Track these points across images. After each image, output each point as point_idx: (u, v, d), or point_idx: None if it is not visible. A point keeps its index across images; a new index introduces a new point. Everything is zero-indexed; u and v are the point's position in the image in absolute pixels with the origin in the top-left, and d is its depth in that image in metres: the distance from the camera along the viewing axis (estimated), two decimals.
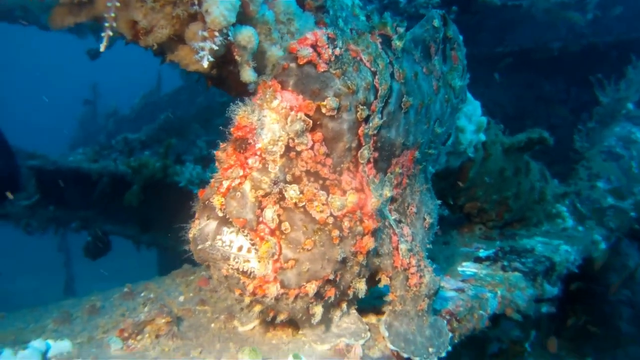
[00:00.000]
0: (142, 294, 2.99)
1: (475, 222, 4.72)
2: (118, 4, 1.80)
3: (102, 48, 1.80)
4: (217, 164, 1.95)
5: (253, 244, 1.83)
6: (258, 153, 1.85)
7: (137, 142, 12.66)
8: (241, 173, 1.85)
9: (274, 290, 1.86)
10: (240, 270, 1.84)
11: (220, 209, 1.84)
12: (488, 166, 4.15)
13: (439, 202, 2.63)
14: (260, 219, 1.84)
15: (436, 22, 2.56)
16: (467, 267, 3.66)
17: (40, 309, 2.88)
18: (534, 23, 12.18)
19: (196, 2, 1.96)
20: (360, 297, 2.19)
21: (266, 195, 1.84)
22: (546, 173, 5.13)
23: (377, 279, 2.30)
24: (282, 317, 2.04)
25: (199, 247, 1.86)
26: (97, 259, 10.07)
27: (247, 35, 2.08)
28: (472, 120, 3.55)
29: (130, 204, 8.10)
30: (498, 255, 4.00)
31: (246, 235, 1.84)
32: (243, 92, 2.46)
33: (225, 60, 2.28)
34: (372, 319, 2.52)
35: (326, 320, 2.25)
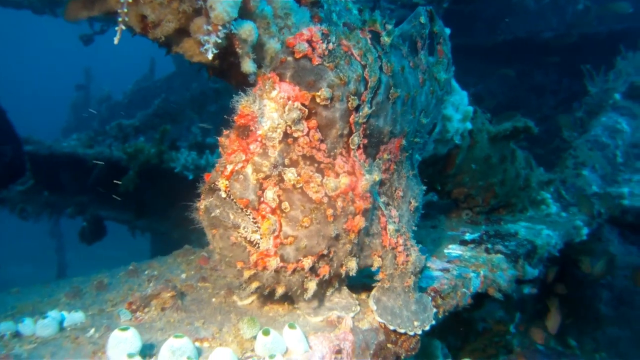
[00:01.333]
0: (146, 272, 3.16)
1: (463, 207, 4.90)
2: (130, 0, 1.95)
3: (115, 41, 1.96)
4: (220, 149, 2.12)
5: (255, 222, 2.02)
6: (259, 139, 2.02)
7: (131, 127, 12.68)
8: (243, 157, 2.03)
9: (274, 263, 2.04)
10: (248, 239, 2.02)
11: (225, 191, 2.02)
12: (474, 153, 4.32)
13: (424, 187, 2.80)
14: (262, 199, 2.02)
15: (423, 19, 2.73)
16: (453, 249, 3.84)
17: (51, 284, 3.05)
18: (526, 13, 12.31)
19: None
20: (351, 274, 2.35)
21: (267, 177, 2.02)
22: (532, 161, 5.32)
23: (369, 262, 2.47)
24: (280, 291, 2.21)
25: (212, 214, 2.03)
26: (93, 244, 10.18)
27: (247, 29, 2.24)
28: (459, 110, 3.72)
29: (127, 190, 8.19)
30: (483, 238, 4.18)
31: (249, 214, 2.01)
32: (243, 81, 2.61)
33: (226, 51, 2.43)
34: (362, 295, 2.68)
35: (319, 296, 2.43)
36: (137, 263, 3.23)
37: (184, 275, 3.04)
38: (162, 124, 11.52)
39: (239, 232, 2.02)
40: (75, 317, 2.38)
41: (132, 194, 8.22)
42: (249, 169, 2.01)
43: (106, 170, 8.90)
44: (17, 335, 2.24)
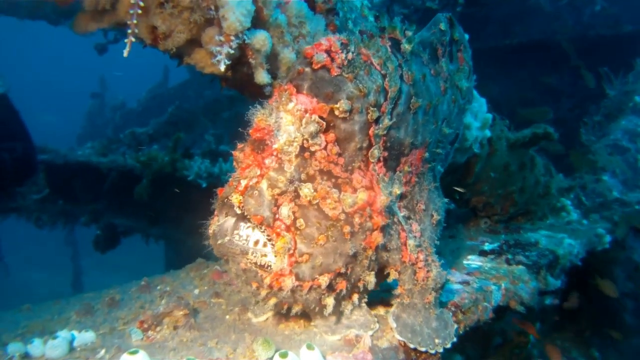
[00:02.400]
0: (159, 287, 3.10)
1: (481, 216, 4.79)
2: (140, 11, 1.88)
3: (125, 53, 1.89)
4: (235, 163, 2.05)
5: (270, 240, 1.93)
6: (274, 153, 1.94)
7: (145, 135, 12.73)
8: (258, 172, 1.95)
9: (289, 282, 1.95)
10: (258, 263, 1.94)
11: (239, 207, 1.94)
12: (493, 161, 4.22)
13: (446, 200, 2.70)
14: (277, 216, 1.93)
15: (443, 25, 2.64)
16: (472, 260, 3.74)
17: (62, 301, 3.00)
18: (541, 14, 12.15)
19: (212, 8, 2.04)
20: (370, 289, 2.27)
21: (282, 193, 1.93)
22: (551, 168, 5.19)
23: (385, 274, 2.39)
24: (296, 308, 2.13)
25: (219, 242, 1.95)
26: (106, 252, 10.21)
27: (261, 39, 2.16)
28: (477, 117, 3.62)
29: (141, 198, 8.19)
30: (503, 248, 4.06)
31: (263, 232, 1.93)
32: (256, 92, 2.54)
33: (239, 62, 2.37)
34: (380, 311, 2.61)
35: (337, 313, 2.35)
36: (149, 278, 3.17)
37: (197, 291, 2.97)
38: (176, 132, 11.54)
39: (248, 258, 1.94)
40: (85, 337, 2.31)
41: (146, 202, 8.24)
42: (264, 185, 1.93)
43: (120, 178, 8.92)
44: (26, 356, 2.19)
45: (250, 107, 1.93)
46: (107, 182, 9.12)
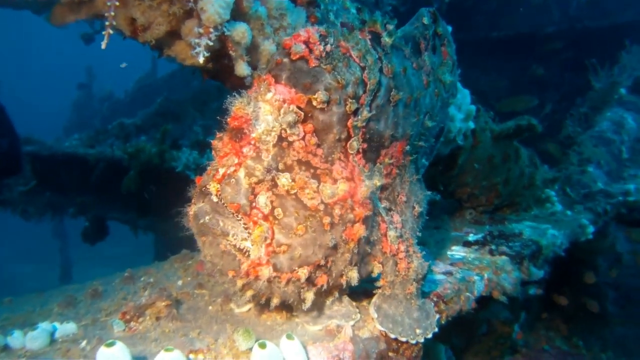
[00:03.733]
0: (142, 279, 3.10)
1: (466, 207, 4.82)
2: (117, 3, 1.87)
3: (103, 45, 1.88)
4: (213, 152, 2.05)
5: (247, 228, 1.94)
6: (252, 142, 1.95)
7: (132, 126, 12.65)
8: (236, 161, 1.95)
9: (266, 272, 1.96)
10: (238, 247, 1.95)
11: (216, 195, 1.95)
12: (477, 153, 4.24)
13: (428, 193, 2.72)
14: (254, 204, 1.94)
15: (426, 20, 2.65)
16: (456, 251, 3.76)
17: (45, 294, 2.99)
18: (528, 7, 12.17)
19: (191, 0, 2.03)
20: (352, 284, 2.26)
21: (259, 182, 1.94)
22: (536, 159, 5.23)
23: (370, 269, 2.40)
24: (275, 301, 2.13)
25: (201, 221, 1.96)
26: (95, 244, 10.17)
27: (240, 31, 2.16)
28: (461, 109, 3.64)
29: (129, 190, 8.16)
30: (486, 239, 4.09)
31: (240, 219, 1.94)
32: (238, 84, 2.54)
33: (220, 54, 2.36)
34: (363, 301, 2.62)
35: (318, 305, 2.36)
36: (133, 269, 3.17)
37: (180, 282, 2.98)
38: (164, 123, 11.48)
39: (228, 240, 1.94)
40: (67, 328, 2.31)
41: (134, 193, 8.20)
42: (241, 173, 1.94)
43: (108, 169, 8.87)
44: (5, 348, 2.18)
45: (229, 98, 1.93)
46: (95, 174, 9.07)
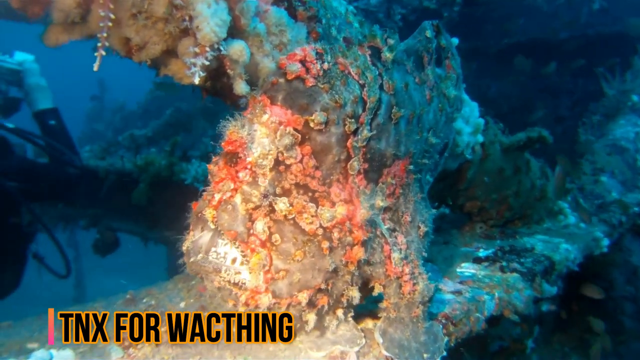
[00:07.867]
0: (144, 300, 3.04)
1: (476, 220, 4.72)
2: (110, 24, 1.83)
3: (95, 67, 1.84)
4: (209, 177, 2.00)
5: (244, 256, 1.88)
6: (248, 167, 1.89)
7: (144, 138, 12.70)
8: (232, 186, 1.89)
9: (266, 300, 1.90)
10: (232, 282, 1.88)
11: (212, 222, 1.89)
12: (486, 166, 4.15)
13: (434, 211, 2.63)
14: (251, 231, 1.88)
15: (428, 33, 2.57)
16: (466, 268, 3.67)
17: (44, 317, 2.93)
18: (538, 14, 12.10)
19: (187, 19, 1.98)
20: (354, 304, 2.22)
21: (256, 208, 1.88)
22: (547, 170, 5.11)
23: (370, 287, 2.34)
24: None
25: (192, 259, 1.90)
26: (107, 256, 10.17)
27: (238, 50, 2.11)
28: (469, 122, 3.55)
29: (139, 203, 8.16)
30: (497, 255, 3.98)
31: (237, 247, 1.88)
32: (238, 101, 2.49)
33: (219, 72, 2.31)
34: (368, 323, 2.55)
35: (322, 328, 2.29)
36: (135, 291, 3.11)
37: (182, 304, 2.92)
38: (175, 134, 11.49)
39: (221, 277, 1.88)
40: (63, 355, 2.26)
41: (145, 205, 8.20)
42: (237, 199, 1.88)
43: (118, 182, 8.88)
44: None
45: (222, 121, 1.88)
46: (105, 186, 9.09)
